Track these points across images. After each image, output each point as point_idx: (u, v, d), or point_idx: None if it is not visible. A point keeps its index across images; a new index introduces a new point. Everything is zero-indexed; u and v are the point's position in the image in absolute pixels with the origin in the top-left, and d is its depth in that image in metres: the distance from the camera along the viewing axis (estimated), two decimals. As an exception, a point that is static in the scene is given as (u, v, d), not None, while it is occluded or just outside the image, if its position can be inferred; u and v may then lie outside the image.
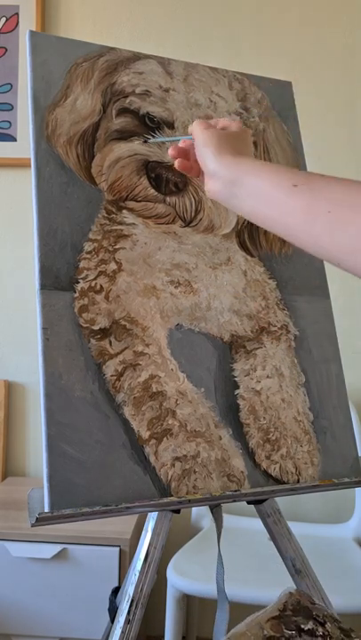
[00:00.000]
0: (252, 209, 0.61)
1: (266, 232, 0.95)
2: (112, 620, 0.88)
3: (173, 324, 0.85)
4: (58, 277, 0.80)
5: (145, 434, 0.79)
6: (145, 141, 0.87)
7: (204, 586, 1.23)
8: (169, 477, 0.78)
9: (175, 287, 0.87)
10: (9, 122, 1.72)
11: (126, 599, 0.76)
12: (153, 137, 0.89)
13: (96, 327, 0.80)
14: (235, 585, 1.06)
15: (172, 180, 0.88)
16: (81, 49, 0.90)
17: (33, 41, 0.87)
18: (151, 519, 0.79)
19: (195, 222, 0.89)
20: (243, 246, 0.93)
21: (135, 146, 0.88)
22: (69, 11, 1.74)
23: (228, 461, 0.82)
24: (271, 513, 0.86)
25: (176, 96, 0.92)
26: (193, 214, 0.89)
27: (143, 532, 0.79)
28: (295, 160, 1.01)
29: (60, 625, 1.35)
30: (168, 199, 0.88)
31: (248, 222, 0.94)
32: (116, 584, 1.24)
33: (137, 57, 0.93)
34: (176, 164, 0.77)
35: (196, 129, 0.71)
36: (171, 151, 0.77)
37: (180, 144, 0.78)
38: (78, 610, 1.34)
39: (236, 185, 0.63)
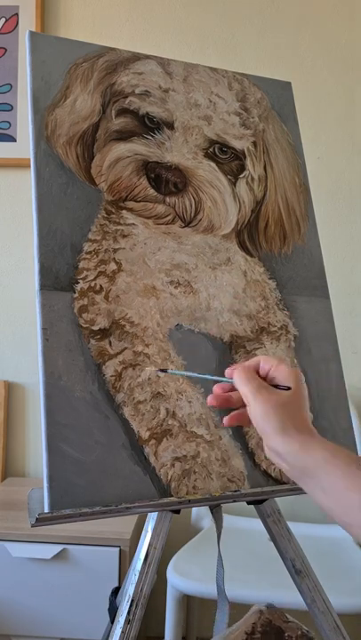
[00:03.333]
0: (323, 501, 0.57)
1: (266, 232, 0.95)
2: (112, 620, 0.88)
3: (173, 325, 0.85)
4: (57, 278, 0.80)
5: (145, 434, 0.79)
6: (164, 371, 0.79)
7: (204, 586, 1.23)
8: (169, 478, 0.78)
9: (175, 287, 0.87)
10: (8, 122, 1.72)
11: (126, 599, 0.76)
12: (152, 137, 0.89)
13: (96, 327, 0.80)
14: (235, 585, 1.06)
15: (172, 181, 0.88)
16: (80, 49, 0.90)
17: (32, 41, 0.87)
18: (151, 519, 0.79)
19: (194, 222, 0.89)
20: (242, 246, 0.93)
21: (135, 146, 0.88)
22: (69, 11, 1.74)
23: (227, 462, 0.82)
24: (271, 513, 0.86)
25: (176, 96, 0.92)
26: (193, 214, 0.89)
27: (143, 533, 0.79)
28: (295, 160, 1.01)
29: (60, 625, 1.35)
30: (168, 199, 0.88)
31: (248, 222, 0.94)
32: (116, 584, 1.24)
33: (136, 57, 0.93)
34: (226, 421, 0.67)
35: (245, 390, 0.62)
36: (211, 400, 0.67)
37: (217, 389, 0.67)
38: (78, 610, 1.34)
39: (306, 475, 0.58)
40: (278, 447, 0.59)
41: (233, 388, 0.66)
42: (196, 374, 0.77)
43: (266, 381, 0.63)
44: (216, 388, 0.67)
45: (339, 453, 0.57)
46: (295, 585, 0.87)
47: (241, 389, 0.63)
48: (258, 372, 0.65)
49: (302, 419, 0.60)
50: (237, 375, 0.63)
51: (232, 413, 0.67)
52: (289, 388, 0.62)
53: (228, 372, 0.66)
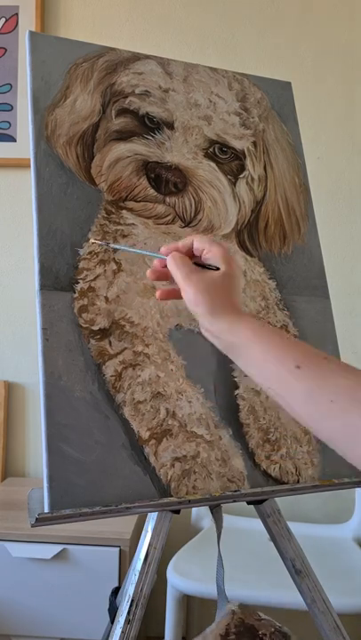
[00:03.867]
0: (251, 375, 0.61)
1: (266, 232, 0.95)
2: (112, 620, 0.88)
3: (173, 325, 0.85)
4: (57, 278, 0.80)
5: (145, 434, 0.79)
6: (107, 244, 0.81)
7: (204, 586, 1.23)
8: (169, 478, 0.78)
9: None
10: (8, 122, 1.72)
11: (126, 599, 0.76)
12: (152, 137, 0.89)
13: (96, 327, 0.80)
14: (235, 585, 1.06)
15: (172, 181, 0.88)
16: (80, 49, 0.90)
17: (32, 41, 0.87)
18: (151, 519, 0.79)
19: (194, 223, 0.89)
20: (242, 246, 0.93)
21: (135, 146, 0.88)
22: (69, 11, 1.74)
23: (227, 462, 0.82)
24: (271, 513, 0.86)
25: (176, 96, 0.92)
26: (193, 214, 0.89)
27: (143, 533, 0.79)
28: (295, 160, 1.01)
29: (60, 625, 1.35)
30: (168, 199, 0.88)
31: (248, 222, 0.94)
32: (116, 584, 1.24)
33: (136, 57, 0.93)
34: (158, 294, 0.72)
35: (177, 275, 0.65)
36: (149, 274, 0.71)
37: (156, 263, 0.71)
38: (78, 610, 1.34)
39: (236, 351, 0.61)
40: (209, 327, 0.63)
41: None
42: (133, 249, 0.81)
43: (200, 261, 0.67)
44: (156, 263, 0.71)
45: (261, 330, 0.60)
46: (295, 585, 0.87)
47: (173, 273, 0.66)
48: (192, 252, 0.68)
49: (231, 299, 0.64)
50: (170, 259, 0.67)
51: (165, 287, 0.71)
52: (218, 269, 0.65)
53: (163, 250, 0.70)
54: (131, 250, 0.82)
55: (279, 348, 0.58)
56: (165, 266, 0.69)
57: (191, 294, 0.64)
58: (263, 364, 0.58)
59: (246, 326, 0.61)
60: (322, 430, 0.53)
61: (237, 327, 0.61)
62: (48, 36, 0.94)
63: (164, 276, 0.70)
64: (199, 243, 0.68)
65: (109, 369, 0.80)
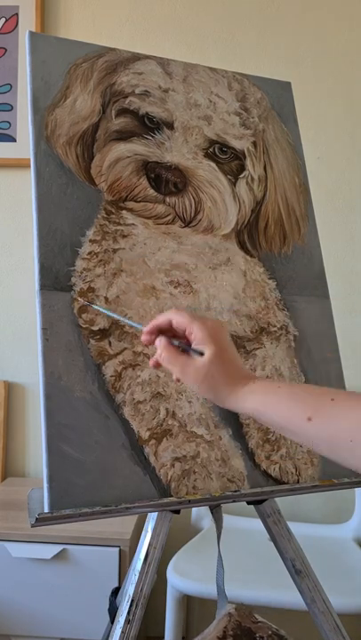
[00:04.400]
0: (288, 436, 0.63)
1: (266, 232, 0.95)
2: (112, 620, 0.88)
3: (173, 325, 0.85)
4: (57, 278, 0.80)
5: (145, 434, 0.79)
6: (90, 304, 0.81)
7: (204, 586, 1.23)
8: (169, 478, 0.78)
9: (175, 287, 0.87)
10: (8, 122, 1.72)
11: (126, 599, 0.76)
12: (152, 137, 0.89)
13: (95, 328, 0.80)
14: (235, 585, 1.06)
15: (172, 181, 0.88)
16: (80, 49, 0.90)
17: (32, 41, 0.87)
18: (151, 519, 0.79)
19: (194, 223, 0.89)
20: (242, 247, 0.93)
21: (135, 146, 0.88)
22: (69, 11, 1.74)
23: (227, 462, 0.82)
24: (271, 513, 0.86)
25: (175, 96, 0.92)
26: (192, 215, 0.89)
27: (143, 533, 0.79)
28: (295, 160, 1.01)
29: (60, 625, 1.35)
30: (168, 199, 0.88)
31: (248, 222, 0.94)
32: (116, 584, 1.24)
33: (136, 57, 0.93)
34: (151, 362, 0.71)
35: (173, 370, 0.67)
36: (145, 341, 0.71)
37: (144, 339, 0.71)
38: (78, 610, 1.34)
39: (258, 417, 0.64)
40: (226, 406, 0.65)
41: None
42: (116, 315, 0.81)
43: (186, 337, 0.68)
44: (144, 340, 0.71)
45: (265, 401, 0.62)
46: (295, 585, 0.87)
47: (168, 368, 0.68)
48: (172, 329, 0.69)
49: (228, 377, 0.65)
50: (161, 355, 0.68)
51: (157, 357, 0.70)
52: (203, 354, 0.66)
53: (146, 331, 0.70)
54: (113, 315, 0.81)
55: (287, 408, 0.60)
56: (151, 332, 0.70)
57: (196, 387, 0.66)
58: (280, 425, 0.61)
59: (252, 398, 0.63)
60: (356, 466, 0.55)
61: (247, 401, 0.63)
62: (48, 36, 0.94)
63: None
64: (178, 321, 0.68)
65: (109, 369, 0.80)
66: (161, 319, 0.69)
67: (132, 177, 0.87)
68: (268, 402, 0.62)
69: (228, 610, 0.67)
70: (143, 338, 0.71)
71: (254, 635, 0.63)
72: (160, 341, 0.68)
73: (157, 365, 0.70)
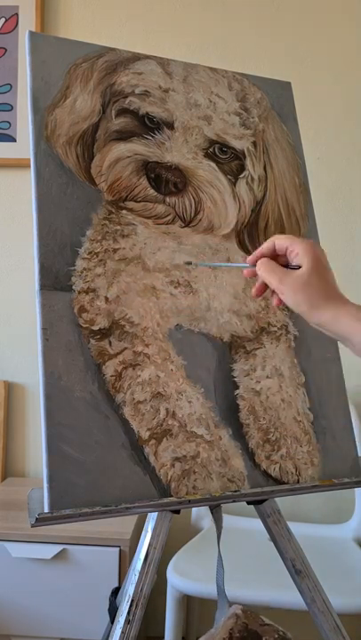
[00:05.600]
0: None
1: (266, 232, 0.95)
2: (112, 620, 0.88)
3: (173, 325, 0.85)
4: (57, 278, 0.80)
5: (145, 434, 0.79)
6: (190, 263, 0.86)
7: (204, 586, 1.23)
8: (169, 478, 0.78)
9: (175, 287, 0.87)
10: (8, 122, 1.72)
11: (126, 599, 0.76)
12: (152, 137, 0.89)
13: (96, 327, 0.80)
14: (235, 585, 1.06)
15: (172, 181, 0.88)
16: (80, 49, 0.90)
17: (32, 41, 0.87)
18: (151, 520, 0.79)
19: (194, 222, 0.89)
20: (242, 246, 0.93)
21: (135, 146, 0.88)
22: (69, 11, 1.74)
23: (227, 462, 0.82)
24: (271, 513, 0.86)
25: (175, 96, 0.92)
26: (193, 214, 0.89)
27: (143, 533, 0.79)
28: (295, 160, 1.01)
29: (60, 625, 1.35)
30: (168, 199, 0.88)
31: (248, 222, 0.94)
32: (116, 584, 1.24)
33: (136, 57, 0.93)
34: (254, 292, 0.75)
35: (271, 281, 0.69)
36: (247, 274, 0.75)
37: (246, 274, 0.75)
38: (78, 610, 1.34)
39: (344, 338, 0.66)
40: (315, 321, 0.67)
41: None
42: (221, 264, 0.87)
43: (286, 260, 0.70)
44: (246, 273, 0.75)
45: None
46: (295, 585, 0.87)
47: (266, 280, 0.70)
48: (276, 253, 0.71)
49: (327, 290, 0.67)
50: (260, 266, 0.71)
51: (258, 284, 0.74)
52: (300, 267, 0.68)
53: (250, 259, 0.73)
54: (218, 264, 0.87)
55: None
56: (255, 274, 0.73)
57: (290, 296, 0.67)
58: None
59: (349, 316, 0.64)
60: None
61: (340, 318, 0.65)
62: (48, 36, 0.94)
63: (264, 287, 0.74)
64: (281, 242, 0.70)
65: (109, 369, 0.80)
66: (265, 246, 0.72)
67: (132, 177, 0.87)
68: (358, 318, 0.63)
69: (234, 611, 0.67)
70: (246, 271, 0.74)
71: (261, 638, 0.63)
72: (260, 261, 0.71)
73: (253, 275, 0.73)
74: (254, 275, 0.73)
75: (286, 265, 0.70)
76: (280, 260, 0.71)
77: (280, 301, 0.72)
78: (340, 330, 0.65)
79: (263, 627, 0.65)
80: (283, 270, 0.69)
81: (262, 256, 0.72)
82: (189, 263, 0.86)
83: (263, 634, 0.64)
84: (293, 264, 0.69)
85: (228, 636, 0.63)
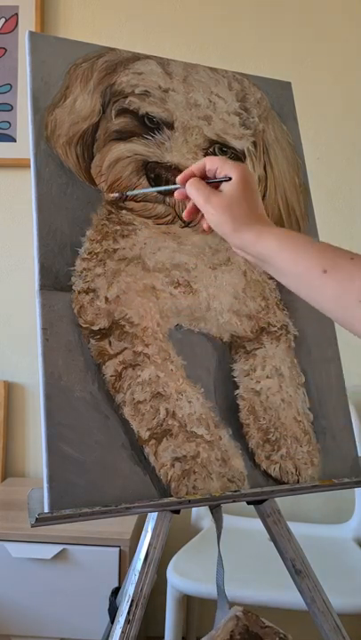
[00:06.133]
0: (283, 283, 0.64)
1: (265, 232, 0.95)
2: (112, 620, 0.88)
3: (173, 325, 0.85)
4: (57, 278, 0.80)
5: (144, 434, 0.79)
6: (124, 196, 0.85)
7: (204, 586, 1.23)
8: (169, 478, 0.78)
9: (175, 287, 0.87)
10: (8, 122, 1.72)
11: (126, 599, 0.76)
12: (152, 137, 0.89)
13: (95, 327, 0.80)
14: (235, 585, 1.06)
15: (172, 181, 0.88)
16: (80, 49, 0.90)
17: (32, 41, 0.87)
18: (151, 520, 0.79)
19: (194, 222, 0.89)
20: (242, 246, 0.93)
21: (135, 146, 0.88)
22: (69, 11, 1.74)
23: (227, 462, 0.82)
24: (271, 513, 0.86)
25: (175, 96, 0.92)
26: (192, 214, 0.89)
27: (143, 533, 0.79)
28: (295, 160, 1.01)
29: (60, 625, 1.35)
30: (168, 199, 0.88)
31: (248, 222, 0.94)
32: (116, 584, 1.24)
33: (136, 57, 0.93)
34: (185, 215, 0.75)
35: (198, 200, 0.69)
36: (186, 216, 0.75)
37: (177, 195, 0.75)
38: (78, 610, 1.34)
39: (265, 262, 0.64)
40: (237, 243, 0.66)
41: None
42: (150, 189, 0.85)
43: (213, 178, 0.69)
44: (177, 195, 0.75)
45: (287, 239, 0.62)
46: (295, 585, 0.87)
47: (193, 199, 0.69)
48: (205, 174, 0.71)
49: (253, 210, 0.66)
50: (188, 186, 0.70)
51: (189, 207, 0.74)
52: (230, 179, 0.67)
53: (179, 179, 0.73)
54: (147, 190, 0.85)
55: (304, 255, 0.59)
56: (185, 197, 0.72)
57: (214, 215, 0.66)
58: (292, 272, 0.60)
59: (271, 236, 0.62)
60: (356, 331, 0.54)
61: (263, 238, 0.63)
62: (48, 36, 0.94)
63: (195, 209, 0.73)
64: (211, 163, 0.70)
65: (109, 369, 0.80)
66: (196, 165, 0.71)
67: (132, 177, 0.87)
68: (286, 246, 0.61)
69: (234, 613, 0.67)
70: (176, 194, 0.73)
71: None
72: (189, 180, 0.70)
73: (184, 197, 0.72)
74: (185, 197, 0.72)
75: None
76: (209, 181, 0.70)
77: (192, 214, 0.72)
78: (261, 251, 0.63)
79: (264, 629, 0.65)
80: (210, 189, 0.68)
81: (192, 175, 0.71)
82: (116, 197, 0.85)
83: (264, 636, 0.64)
84: (221, 177, 0.68)
85: (229, 637, 0.63)
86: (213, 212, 0.67)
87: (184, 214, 0.74)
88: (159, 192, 0.87)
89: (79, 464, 0.74)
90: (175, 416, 0.81)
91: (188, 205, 0.73)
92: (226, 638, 0.63)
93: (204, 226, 0.72)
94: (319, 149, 1.69)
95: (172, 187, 0.76)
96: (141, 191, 0.85)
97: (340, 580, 1.28)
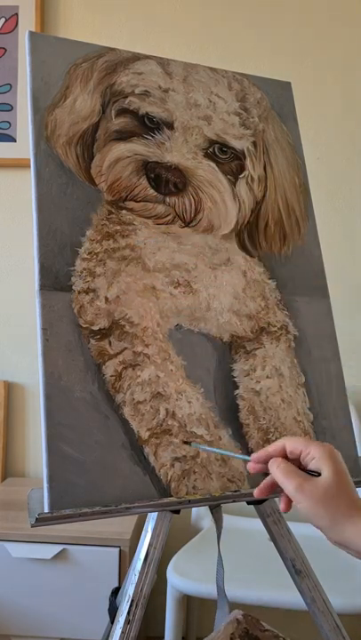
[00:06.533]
0: None
1: (266, 232, 0.95)
2: (112, 620, 0.88)
3: (173, 325, 0.85)
4: (57, 278, 0.80)
5: (144, 434, 0.79)
6: (188, 443, 0.79)
7: (204, 586, 1.23)
8: (169, 478, 0.78)
9: (175, 287, 0.87)
10: (8, 122, 1.72)
11: (126, 599, 0.76)
12: (152, 137, 0.89)
13: (95, 328, 0.80)
14: (235, 585, 1.06)
15: (172, 181, 0.88)
16: (80, 49, 0.90)
17: (32, 41, 0.87)
18: (151, 520, 0.79)
19: (194, 222, 0.89)
20: (242, 246, 0.93)
21: (135, 146, 0.88)
22: (69, 11, 1.74)
23: (227, 462, 0.82)
24: (271, 513, 0.86)
25: (175, 96, 0.92)
26: (192, 214, 0.89)
27: (143, 533, 0.79)
28: (295, 160, 1.01)
29: (60, 625, 1.35)
30: (168, 199, 0.88)
31: (248, 222, 0.94)
32: (116, 584, 1.24)
33: (136, 57, 0.93)
34: (256, 492, 0.68)
35: (287, 486, 0.61)
36: (251, 469, 0.67)
37: (251, 467, 0.68)
38: (78, 610, 1.34)
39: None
40: (337, 537, 0.60)
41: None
42: (225, 452, 0.79)
43: (299, 463, 0.64)
44: (250, 468, 0.68)
45: None
46: (295, 585, 0.87)
47: (281, 483, 0.63)
48: (287, 456, 0.65)
49: (349, 503, 0.60)
50: (276, 468, 0.63)
51: (266, 483, 0.67)
52: (319, 474, 0.62)
53: (255, 457, 0.66)
54: (220, 452, 0.80)
55: None
56: (261, 471, 0.66)
57: (310, 509, 0.61)
58: None
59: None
60: None
61: (351, 538, 0.59)
62: (48, 36, 0.94)
63: (273, 487, 0.67)
64: (294, 445, 0.64)
65: (109, 369, 0.80)
66: (273, 446, 0.65)
67: (132, 177, 0.87)
68: None
69: (235, 616, 0.67)
70: (250, 466, 0.66)
71: None
72: (274, 460, 0.64)
73: (259, 471, 0.65)
74: (260, 471, 0.66)
75: (300, 469, 0.63)
76: (293, 463, 0.64)
77: (289, 507, 0.65)
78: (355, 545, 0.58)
79: (264, 632, 0.65)
80: (304, 476, 0.62)
81: (270, 457, 0.65)
82: (187, 443, 0.80)
83: (264, 639, 0.64)
84: (310, 469, 0.63)
85: None
86: (308, 505, 0.60)
87: (256, 492, 0.67)
88: (161, 195, 0.87)
89: (79, 464, 0.74)
90: (175, 416, 0.81)
91: (267, 480, 0.66)
92: None
93: (282, 508, 0.66)
94: (319, 149, 1.69)
95: (245, 457, 0.70)
96: (215, 450, 0.80)
97: (340, 580, 1.28)
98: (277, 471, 0.63)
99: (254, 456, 0.66)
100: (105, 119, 0.89)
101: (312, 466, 0.62)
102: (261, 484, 0.66)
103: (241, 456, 0.77)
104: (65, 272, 0.81)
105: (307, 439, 0.65)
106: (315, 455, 0.62)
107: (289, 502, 0.64)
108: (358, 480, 0.88)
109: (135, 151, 0.88)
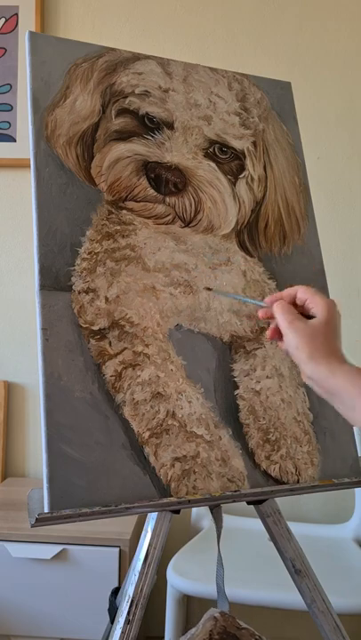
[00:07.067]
0: (348, 416, 0.65)
1: (266, 232, 0.95)
2: (112, 620, 0.88)
3: (173, 325, 0.85)
4: (57, 278, 0.80)
5: (144, 434, 0.79)
6: (209, 289, 0.87)
7: (204, 586, 1.23)
8: (169, 478, 0.78)
9: (175, 287, 0.87)
10: (8, 122, 1.72)
11: (126, 599, 0.76)
12: (152, 137, 0.89)
13: (95, 328, 0.80)
14: (235, 585, 1.06)
15: (172, 181, 0.88)
16: (80, 49, 0.90)
17: (32, 41, 0.87)
18: (151, 520, 0.79)
19: (194, 223, 0.89)
20: (242, 247, 0.93)
21: (135, 146, 0.88)
22: (69, 11, 1.74)
23: (227, 462, 0.82)
24: (271, 513, 0.86)
25: (175, 96, 0.92)
26: (192, 215, 0.89)
27: (143, 533, 0.79)
28: (295, 160, 1.01)
29: (60, 625, 1.35)
30: (168, 199, 0.88)
31: (248, 222, 0.94)
32: (116, 584, 1.24)
33: (136, 57, 0.93)
34: (268, 333, 0.75)
35: (281, 321, 0.70)
36: (261, 314, 0.76)
37: (261, 313, 0.76)
38: (78, 610, 1.34)
39: (334, 397, 0.66)
40: (309, 372, 0.67)
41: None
42: (239, 297, 0.88)
43: (303, 310, 0.72)
44: (261, 313, 0.76)
45: (359, 380, 0.64)
46: (295, 585, 0.87)
47: (277, 319, 0.71)
48: (295, 302, 0.73)
49: (330, 347, 0.68)
50: (276, 307, 0.72)
51: (273, 327, 0.74)
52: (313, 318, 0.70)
53: (268, 300, 0.75)
54: (236, 297, 0.88)
55: None
56: (269, 316, 0.74)
57: (294, 339, 0.68)
58: (359, 412, 0.63)
59: (344, 375, 0.65)
60: None
61: (336, 374, 0.65)
62: (48, 36, 0.94)
63: (276, 331, 0.74)
64: (303, 293, 0.72)
65: (109, 369, 0.80)
66: (286, 291, 0.73)
67: (132, 177, 0.87)
68: (357, 378, 0.64)
69: (212, 614, 0.67)
70: (261, 312, 0.75)
71: None
72: (279, 301, 0.72)
73: (266, 317, 0.74)
74: (268, 316, 0.74)
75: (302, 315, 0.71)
76: (297, 309, 0.72)
77: (274, 336, 0.73)
78: (332, 386, 0.65)
79: (241, 630, 0.65)
80: (296, 315, 0.70)
81: (281, 298, 0.73)
82: (209, 289, 0.87)
83: (241, 637, 0.64)
84: (309, 314, 0.71)
85: (208, 637, 0.64)
86: (294, 336, 0.68)
87: (268, 333, 0.75)
88: (161, 195, 0.87)
89: (79, 464, 0.74)
90: (175, 416, 0.81)
91: (272, 325, 0.74)
92: (205, 637, 0.64)
93: (281, 346, 0.73)
94: (319, 149, 1.69)
95: (259, 302, 0.78)
96: (231, 295, 0.89)
97: (340, 580, 1.28)
98: (277, 307, 0.71)
99: (267, 299, 0.75)
100: (105, 119, 0.89)
101: (311, 313, 0.71)
102: (269, 329, 0.75)
103: (254, 301, 0.84)
104: (65, 272, 0.81)
105: (317, 291, 0.72)
106: (316, 304, 0.70)
107: (276, 333, 0.73)
108: (358, 480, 0.88)
109: (135, 151, 0.88)
